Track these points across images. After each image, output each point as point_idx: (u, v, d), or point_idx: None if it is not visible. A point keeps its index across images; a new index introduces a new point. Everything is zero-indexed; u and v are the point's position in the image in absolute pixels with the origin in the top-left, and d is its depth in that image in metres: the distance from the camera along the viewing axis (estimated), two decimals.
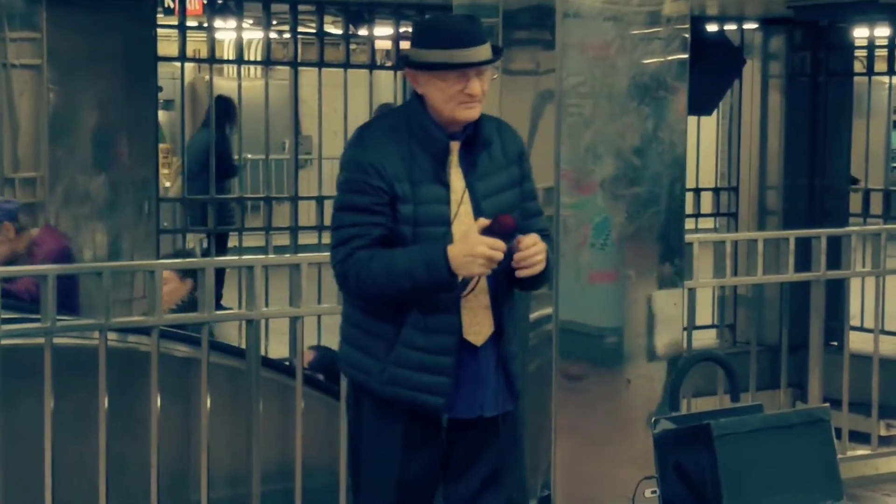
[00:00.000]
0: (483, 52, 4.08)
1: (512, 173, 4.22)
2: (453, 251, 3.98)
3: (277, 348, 8.57)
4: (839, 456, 4.89)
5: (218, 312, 5.32)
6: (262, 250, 9.65)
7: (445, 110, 4.09)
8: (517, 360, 4.28)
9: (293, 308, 5.56)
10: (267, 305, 6.75)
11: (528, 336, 5.30)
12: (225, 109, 11.32)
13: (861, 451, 6.93)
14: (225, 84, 13.79)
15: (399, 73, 10.63)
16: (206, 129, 10.98)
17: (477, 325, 4.15)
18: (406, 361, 4.12)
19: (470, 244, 3.98)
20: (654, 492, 4.49)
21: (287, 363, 6.82)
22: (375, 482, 4.25)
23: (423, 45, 4.11)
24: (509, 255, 4.04)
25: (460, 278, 4.00)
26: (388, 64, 10.93)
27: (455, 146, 4.12)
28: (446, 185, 4.09)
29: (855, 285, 9.39)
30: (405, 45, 10.42)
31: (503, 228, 4.01)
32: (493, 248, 3.97)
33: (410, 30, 10.39)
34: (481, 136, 4.16)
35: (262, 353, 5.65)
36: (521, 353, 4.35)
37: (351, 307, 4.24)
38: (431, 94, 4.11)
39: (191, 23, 10.22)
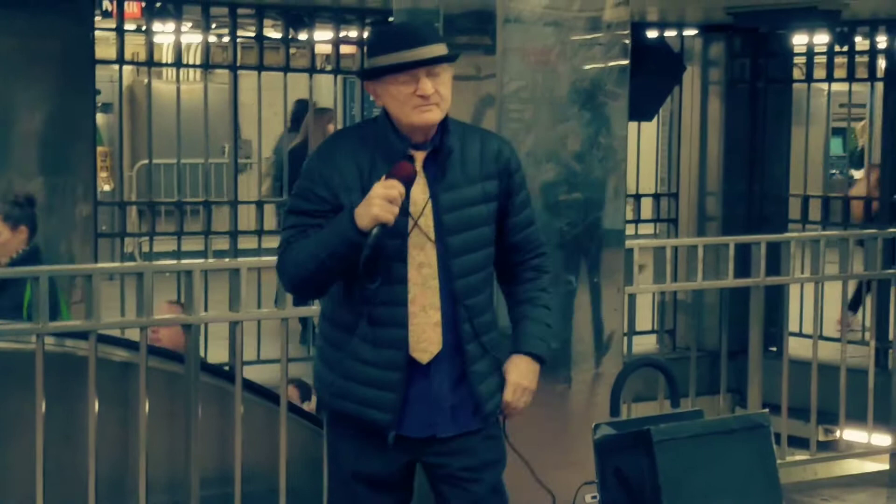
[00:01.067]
0: (431, 51, 4.00)
1: (488, 187, 4.10)
2: (360, 206, 3.89)
3: (217, 353, 8.51)
4: (778, 461, 4.90)
5: (156, 317, 5.27)
6: (202, 254, 9.61)
7: (402, 116, 4.00)
8: (486, 382, 4.14)
9: (233, 312, 5.52)
10: (206, 310, 6.71)
11: None
12: (305, 110, 11.26)
13: (800, 457, 6.97)
14: (164, 87, 13.72)
15: (339, 77, 10.61)
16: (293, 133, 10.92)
17: (424, 342, 4.05)
18: (353, 374, 4.06)
19: (370, 192, 3.89)
20: (594, 497, 4.49)
21: (226, 368, 6.78)
22: (336, 490, 4.24)
23: (373, 54, 4.05)
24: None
25: (369, 230, 3.86)
26: (328, 68, 10.90)
27: (419, 156, 4.02)
28: (407, 198, 3.95)
29: (794, 291, 9.46)
30: (346, 48, 10.41)
31: (401, 172, 3.92)
32: (388, 187, 3.87)
33: (350, 34, 10.39)
34: (444, 145, 4.05)
35: (202, 357, 5.60)
36: (499, 377, 4.19)
37: (322, 317, 4.21)
38: (388, 103, 4.03)
39: (129, 26, 10.16)
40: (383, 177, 3.92)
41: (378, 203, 3.87)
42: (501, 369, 4.22)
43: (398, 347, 4.03)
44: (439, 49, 4.03)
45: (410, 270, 4.02)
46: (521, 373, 4.20)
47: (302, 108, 10.95)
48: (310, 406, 7.55)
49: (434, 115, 4.01)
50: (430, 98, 3.98)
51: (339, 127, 10.78)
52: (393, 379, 4.03)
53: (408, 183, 3.94)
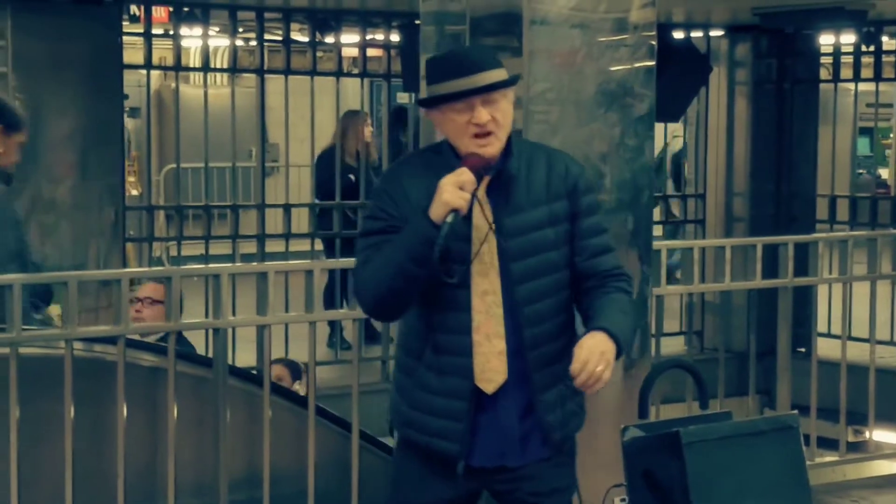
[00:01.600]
0: (488, 77, 3.91)
1: (556, 209, 4.00)
2: (431, 205, 3.82)
3: (245, 357, 8.53)
4: (808, 462, 4.89)
5: (184, 321, 5.29)
6: (229, 258, 9.63)
7: (460, 145, 3.93)
8: (557, 410, 4.06)
9: (260, 317, 5.53)
10: (234, 314, 6.73)
11: None
12: (399, 118, 11.33)
13: (829, 458, 6.95)
14: (191, 92, 13.75)
15: (366, 81, 10.63)
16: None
17: (489, 371, 3.97)
18: (419, 404, 4.02)
19: (437, 189, 3.83)
20: (623, 500, 4.48)
21: (254, 372, 6.79)
22: None
23: (431, 81, 3.98)
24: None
25: (442, 221, 3.78)
26: (355, 71, 10.91)
27: (484, 181, 3.93)
28: (468, 222, 3.90)
29: (822, 292, 9.43)
30: (372, 51, 10.42)
31: (471, 162, 3.87)
32: (457, 174, 3.82)
33: (377, 37, 10.40)
34: (507, 169, 3.96)
35: (230, 361, 5.61)
36: (575, 405, 4.12)
37: (397, 345, 4.18)
38: (446, 131, 3.97)
39: (156, 30, 10.18)
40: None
41: (448, 189, 3.80)
42: (578, 398, 4.13)
43: (463, 376, 3.96)
44: (497, 75, 3.95)
45: (474, 298, 3.95)
46: (595, 341, 3.88)
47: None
48: (300, 385, 7.51)
49: (491, 149, 3.93)
50: (485, 126, 3.90)
51: (371, 129, 10.79)
52: (458, 408, 3.97)
53: (478, 173, 3.87)
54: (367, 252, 3.96)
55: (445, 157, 3.99)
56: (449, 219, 3.81)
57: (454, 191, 3.81)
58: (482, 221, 3.94)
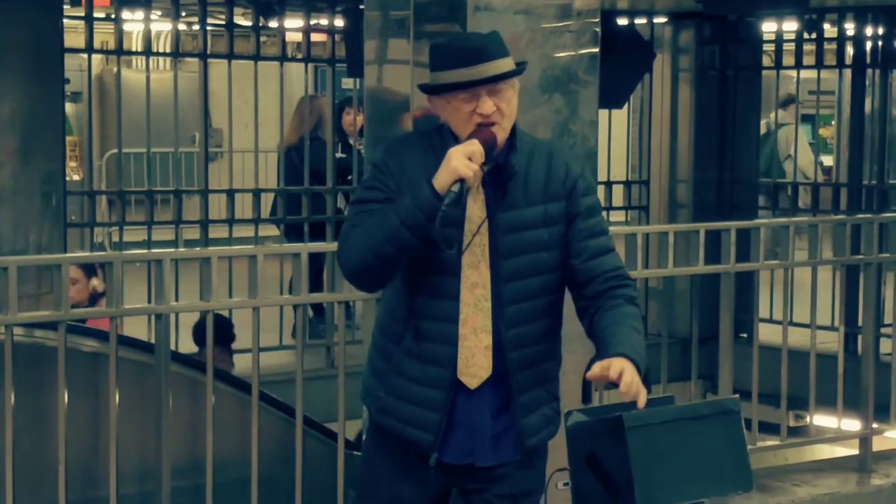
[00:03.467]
0: (494, 67, 3.85)
1: (551, 210, 3.93)
2: (436, 174, 3.75)
3: (187, 343, 8.50)
4: (749, 446, 4.92)
5: (126, 307, 5.26)
6: (172, 244, 9.58)
7: (463, 133, 3.86)
8: (533, 414, 4.01)
9: (203, 302, 5.51)
10: (177, 300, 6.70)
11: None
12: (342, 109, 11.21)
13: (771, 442, 7.00)
14: (133, 76, 13.67)
15: (310, 66, 10.59)
16: None
17: (473, 366, 3.90)
18: (397, 391, 3.95)
19: (445, 157, 3.76)
20: (566, 484, 4.49)
21: (197, 358, 6.76)
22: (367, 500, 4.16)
23: (435, 69, 3.92)
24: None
25: (447, 191, 3.71)
26: (299, 56, 10.87)
27: (480, 172, 3.83)
28: (463, 210, 3.81)
29: (764, 278, 9.49)
30: (316, 36, 10.38)
31: (481, 136, 3.81)
32: (467, 144, 3.76)
33: (321, 22, 10.37)
34: (507, 165, 3.89)
35: (172, 347, 5.58)
36: (551, 409, 4.08)
37: (375, 327, 4.09)
38: (449, 119, 3.91)
39: (98, 14, 10.11)
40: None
41: (457, 157, 3.73)
42: (555, 403, 4.09)
43: (445, 366, 3.90)
44: (504, 64, 3.88)
45: (463, 290, 3.88)
46: (631, 370, 3.88)
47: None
48: (98, 281, 7.42)
49: (497, 135, 3.87)
50: (490, 117, 3.84)
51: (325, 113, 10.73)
52: (436, 398, 3.91)
53: (486, 147, 3.80)
54: (357, 217, 3.86)
55: (445, 141, 3.91)
56: (454, 188, 3.74)
57: (463, 159, 3.74)
58: (477, 213, 3.87)
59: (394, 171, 3.89)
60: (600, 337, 3.95)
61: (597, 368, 3.85)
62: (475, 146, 3.78)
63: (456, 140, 3.89)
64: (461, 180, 3.74)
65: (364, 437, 4.26)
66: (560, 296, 4.04)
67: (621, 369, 3.84)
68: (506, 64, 3.88)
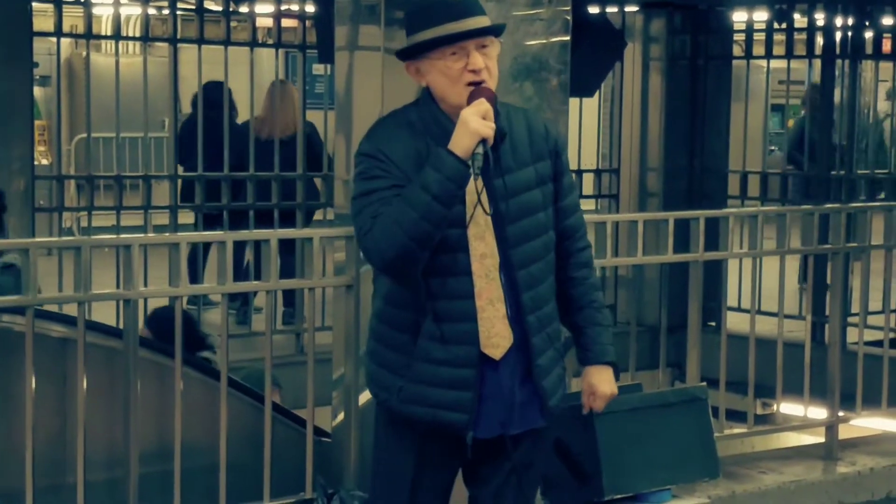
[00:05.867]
0: (481, 20, 3.86)
1: (541, 169, 3.96)
2: (452, 139, 3.74)
3: None
4: (716, 434, 4.95)
5: (95, 292, 5.24)
6: (141, 229, 9.55)
7: (453, 96, 3.85)
8: (550, 375, 4.04)
9: (172, 288, 5.49)
10: (146, 285, 6.66)
11: None
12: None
13: (738, 430, 7.01)
14: (102, 60, 13.61)
15: (280, 51, 10.56)
16: None
17: (495, 336, 3.90)
18: (424, 377, 3.91)
19: (459, 118, 3.75)
20: None
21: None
22: (386, 497, 4.11)
23: (414, 30, 3.89)
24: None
25: (471, 155, 3.71)
26: (269, 41, 10.84)
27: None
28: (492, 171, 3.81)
29: (732, 266, 9.52)
30: (287, 22, 10.35)
31: (484, 94, 3.81)
32: (476, 104, 3.75)
33: (292, 8, 10.34)
34: (498, 127, 3.85)
35: (140, 333, 5.57)
36: (561, 369, 4.13)
37: (375, 320, 4.05)
38: (435, 82, 3.87)
39: None
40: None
41: (474, 119, 3.71)
42: (562, 362, 4.13)
43: (470, 343, 3.89)
44: (486, 20, 3.88)
45: (473, 262, 3.88)
46: (610, 383, 4.19)
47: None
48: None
49: (496, 96, 3.88)
50: (481, 73, 3.84)
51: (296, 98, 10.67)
52: (467, 376, 3.89)
53: (492, 106, 3.81)
54: (373, 208, 3.80)
55: (429, 111, 3.89)
56: (479, 150, 3.73)
57: (480, 120, 3.73)
58: (472, 183, 3.83)
59: (390, 157, 3.85)
60: (576, 324, 4.14)
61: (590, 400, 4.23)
62: (485, 105, 3.77)
63: (439, 108, 3.88)
64: (483, 140, 3.74)
65: (377, 433, 4.17)
66: (554, 254, 4.08)
67: (608, 395, 4.20)
68: (487, 20, 3.89)
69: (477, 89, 3.83)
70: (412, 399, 3.95)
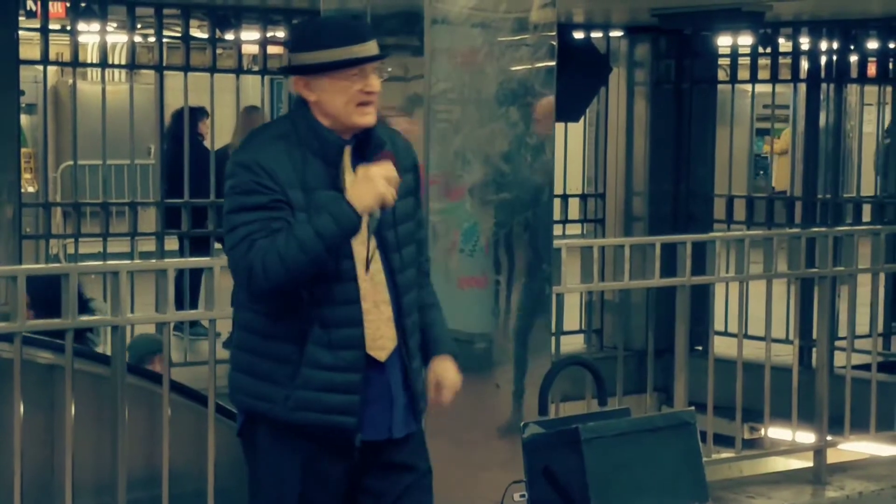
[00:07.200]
0: (375, 46, 3.96)
1: (408, 181, 4.06)
2: (351, 192, 3.84)
3: None
4: (704, 459, 4.95)
5: (83, 318, 5.24)
6: (128, 256, 9.54)
7: (343, 115, 3.93)
8: (420, 378, 4.12)
9: (159, 314, 5.49)
10: (133, 311, 6.67)
11: None
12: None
13: (726, 454, 7.03)
14: (89, 88, 13.61)
15: (266, 78, 10.58)
16: None
17: (380, 338, 3.97)
18: (313, 383, 3.93)
19: (364, 177, 3.85)
20: (522, 496, 4.51)
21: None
22: None
23: (314, 48, 3.93)
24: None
25: (366, 217, 3.85)
26: (255, 68, 10.86)
27: (347, 149, 3.95)
28: (342, 192, 3.89)
29: (719, 291, 9.54)
30: (272, 49, 10.37)
31: (391, 158, 3.92)
32: (385, 168, 3.86)
33: (281, 34, 10.36)
34: (374, 137, 3.98)
35: (128, 359, 5.57)
36: (422, 374, 4.17)
37: (245, 332, 4.05)
38: (329, 100, 3.93)
39: (54, 25, 10.07)
40: (365, 166, 3.88)
41: (381, 183, 3.84)
42: (423, 372, 4.19)
43: (356, 347, 3.94)
44: (377, 45, 3.98)
45: (358, 267, 3.94)
46: (455, 373, 4.21)
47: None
48: None
49: (371, 118, 3.97)
50: (375, 94, 3.94)
51: None
52: (354, 380, 3.94)
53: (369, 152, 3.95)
54: (250, 227, 3.85)
55: (306, 123, 3.95)
56: (376, 213, 3.88)
57: (386, 185, 3.85)
58: None
59: (268, 169, 3.88)
60: (427, 327, 4.20)
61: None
62: (393, 171, 3.89)
63: (317, 123, 3.93)
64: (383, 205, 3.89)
65: (256, 452, 4.12)
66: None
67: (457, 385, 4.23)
68: (376, 44, 4.00)
69: (383, 153, 3.95)
70: (301, 406, 3.96)
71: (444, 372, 4.21)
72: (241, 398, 4.10)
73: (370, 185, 3.84)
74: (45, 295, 5.49)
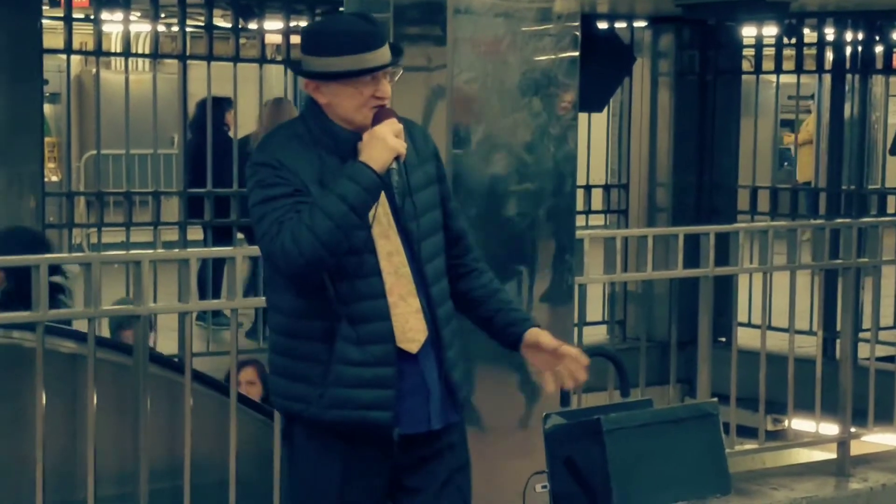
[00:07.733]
0: (387, 51, 3.97)
1: (428, 170, 4.07)
2: (364, 156, 3.86)
3: (166, 344, 8.48)
4: (727, 450, 4.93)
5: (104, 308, 5.24)
6: (151, 245, 9.56)
7: (356, 118, 3.95)
8: (458, 368, 4.08)
9: (182, 304, 5.50)
10: (155, 301, 6.67)
11: None
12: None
13: (749, 446, 7.01)
14: (112, 77, 13.63)
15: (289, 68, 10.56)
16: None
17: (410, 331, 3.96)
18: (345, 380, 3.91)
19: (371, 137, 3.88)
20: (544, 486, 4.50)
21: (176, 359, 6.75)
22: None
23: (325, 53, 3.95)
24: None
25: (388, 169, 3.87)
26: (279, 58, 10.86)
27: (360, 144, 3.93)
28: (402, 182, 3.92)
29: (743, 282, 9.51)
30: (295, 38, 10.37)
31: (391, 115, 3.95)
32: (388, 124, 3.89)
33: (300, 24, 10.35)
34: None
35: (150, 348, 5.57)
36: (464, 360, 4.15)
37: (277, 335, 4.05)
38: (342, 103, 3.96)
39: (77, 14, 10.07)
40: (369, 130, 3.90)
41: (390, 136, 3.87)
42: (466, 358, 4.16)
43: (385, 341, 3.93)
44: (389, 49, 4.00)
45: (381, 260, 3.94)
46: (552, 337, 4.17)
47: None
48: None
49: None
50: (385, 100, 3.96)
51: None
52: (385, 375, 3.92)
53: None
54: (278, 213, 3.86)
55: (320, 124, 3.98)
56: (394, 165, 3.89)
57: (394, 138, 3.88)
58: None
59: (287, 164, 3.92)
60: (492, 309, 4.19)
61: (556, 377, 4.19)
62: (398, 125, 3.92)
63: (332, 125, 3.96)
64: (396, 157, 3.89)
65: (294, 452, 4.10)
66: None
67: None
68: (388, 47, 4.02)
69: (383, 109, 3.97)
70: (334, 403, 3.95)
71: (549, 340, 4.16)
72: (279, 401, 4.10)
73: (378, 142, 3.87)
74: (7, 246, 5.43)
